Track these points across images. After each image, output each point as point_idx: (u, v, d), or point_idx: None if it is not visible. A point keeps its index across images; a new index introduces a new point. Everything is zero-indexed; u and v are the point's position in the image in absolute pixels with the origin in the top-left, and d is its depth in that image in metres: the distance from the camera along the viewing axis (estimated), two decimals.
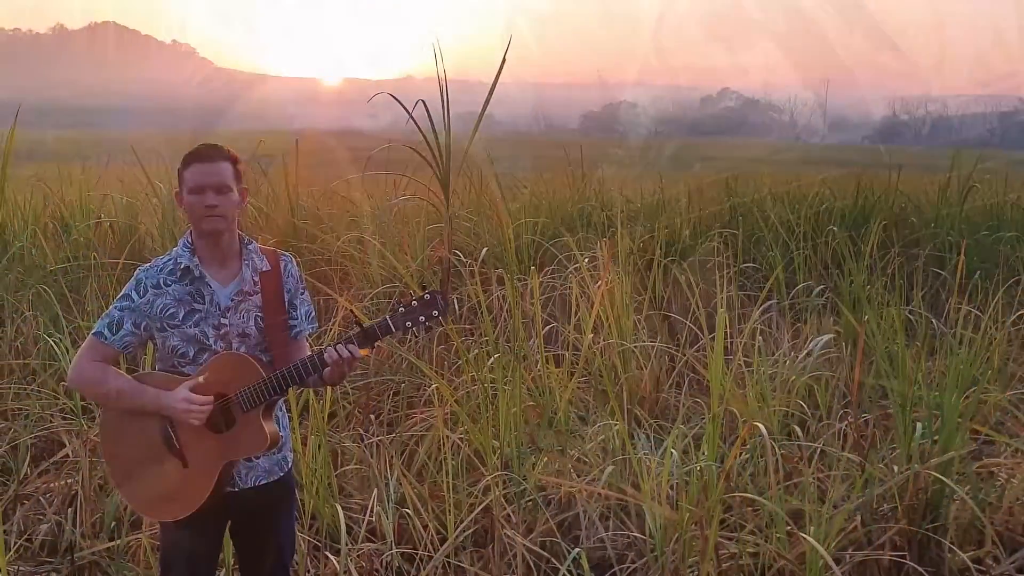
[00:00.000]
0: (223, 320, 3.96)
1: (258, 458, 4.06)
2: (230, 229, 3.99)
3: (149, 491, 4.01)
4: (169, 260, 4.01)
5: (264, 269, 4.07)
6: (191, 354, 3.95)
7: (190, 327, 3.93)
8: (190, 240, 4.01)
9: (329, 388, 6.41)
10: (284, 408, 4.26)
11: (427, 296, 3.92)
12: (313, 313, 4.30)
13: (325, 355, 3.87)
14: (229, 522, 4.25)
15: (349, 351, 3.86)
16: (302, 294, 4.21)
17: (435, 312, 3.92)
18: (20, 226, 10.60)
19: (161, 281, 3.95)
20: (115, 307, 3.98)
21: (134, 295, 3.95)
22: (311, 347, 4.26)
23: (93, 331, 4.00)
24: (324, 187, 14.02)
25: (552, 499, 6.04)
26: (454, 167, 9.18)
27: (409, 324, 3.91)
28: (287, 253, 4.23)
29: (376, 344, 3.99)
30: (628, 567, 5.51)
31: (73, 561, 5.63)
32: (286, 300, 4.11)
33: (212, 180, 3.88)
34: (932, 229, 12.58)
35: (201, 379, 3.83)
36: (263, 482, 4.12)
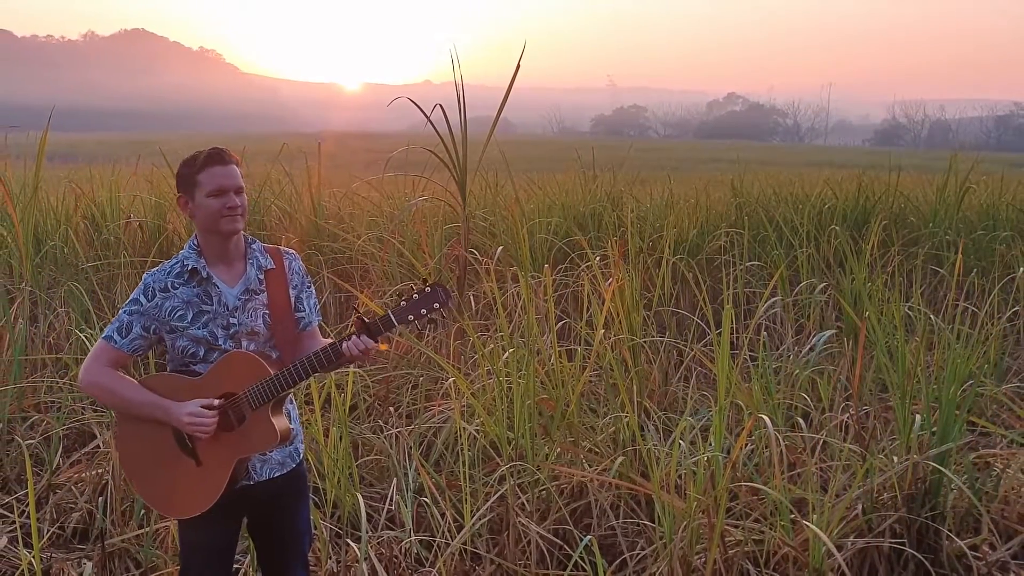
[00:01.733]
0: (232, 319, 3.93)
1: (271, 451, 4.05)
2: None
3: (165, 489, 3.99)
4: (176, 263, 3.97)
5: (268, 267, 4.04)
6: (201, 354, 3.92)
7: (199, 328, 3.90)
8: (196, 243, 3.98)
9: (350, 382, 6.44)
10: (293, 400, 4.24)
11: (428, 289, 3.87)
12: (318, 305, 4.29)
13: (343, 348, 3.84)
14: (246, 517, 4.25)
15: (365, 344, 3.84)
16: (308, 288, 4.20)
17: (436, 304, 3.87)
18: (53, 225, 10.62)
19: (168, 284, 3.91)
20: (124, 311, 3.94)
21: (142, 299, 3.90)
22: (331, 336, 4.25)
23: (103, 335, 3.96)
24: (345, 188, 14.02)
25: (565, 488, 6.04)
26: (470, 168, 9.19)
27: (411, 317, 3.87)
28: (290, 250, 4.20)
29: (387, 336, 3.98)
30: (638, 554, 5.51)
31: (104, 548, 5.64)
32: (292, 296, 4.09)
33: (232, 182, 3.87)
34: (931, 229, 12.54)
35: (216, 402, 3.82)
36: (277, 474, 4.11)
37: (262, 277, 4.02)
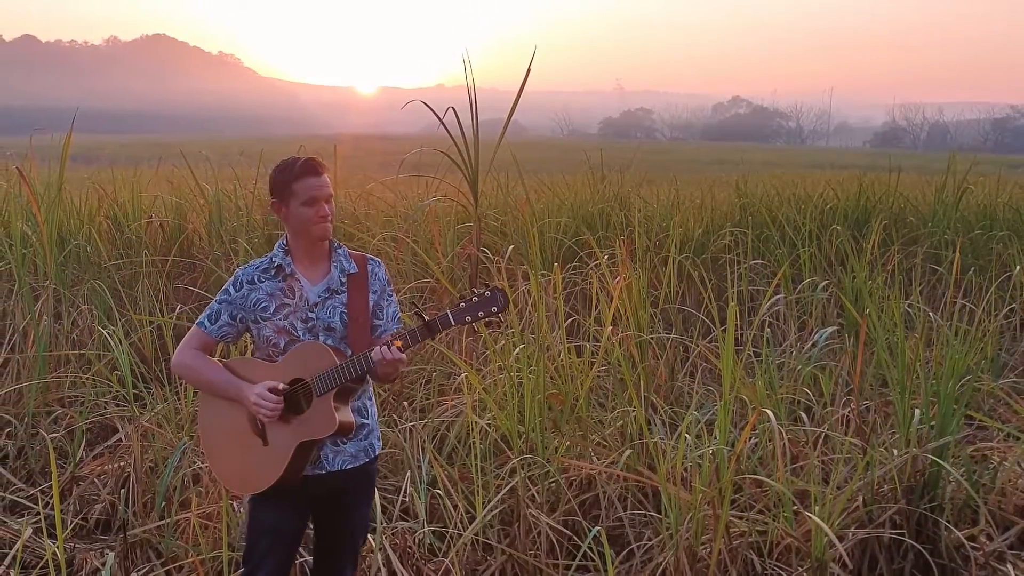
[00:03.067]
0: (311, 314, 4.05)
1: (345, 442, 4.12)
2: None
3: (233, 466, 4.13)
4: (265, 260, 4.15)
5: (352, 271, 4.15)
6: (282, 344, 4.05)
7: (280, 320, 4.05)
8: (285, 242, 4.14)
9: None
10: (372, 398, 4.31)
11: (487, 293, 3.93)
12: (399, 314, 4.33)
13: (372, 353, 3.86)
14: (314, 506, 4.29)
15: (393, 353, 3.85)
16: (389, 296, 4.27)
17: (494, 308, 3.92)
18: (76, 225, 10.64)
19: (256, 277, 4.10)
20: (216, 300, 4.15)
21: (231, 289, 4.11)
22: None
23: (197, 321, 4.17)
24: (360, 188, 14.03)
25: (574, 481, 6.04)
26: (482, 170, 9.19)
27: (468, 319, 3.93)
28: (376, 258, 4.30)
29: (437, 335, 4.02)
30: (645, 544, 5.51)
31: (126, 538, 5.65)
32: (371, 301, 4.17)
33: (324, 192, 4.03)
34: (929, 228, 12.51)
35: (281, 386, 3.92)
36: (350, 466, 4.16)
37: (344, 279, 4.13)
